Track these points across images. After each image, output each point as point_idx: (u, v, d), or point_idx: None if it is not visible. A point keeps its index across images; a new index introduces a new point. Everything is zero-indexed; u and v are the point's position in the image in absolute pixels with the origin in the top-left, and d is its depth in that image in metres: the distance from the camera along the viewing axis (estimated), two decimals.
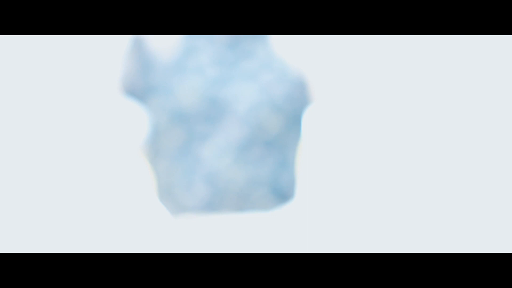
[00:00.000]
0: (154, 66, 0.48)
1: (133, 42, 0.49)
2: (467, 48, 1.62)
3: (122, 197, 0.57)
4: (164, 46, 0.49)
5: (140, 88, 0.48)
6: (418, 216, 1.72)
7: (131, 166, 0.54)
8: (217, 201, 0.49)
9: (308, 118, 0.53)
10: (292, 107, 0.50)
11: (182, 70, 0.47)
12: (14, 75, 1.50)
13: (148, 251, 0.64)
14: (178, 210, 0.50)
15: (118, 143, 0.51)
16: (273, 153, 0.49)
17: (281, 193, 0.51)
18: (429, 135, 1.71)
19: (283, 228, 0.53)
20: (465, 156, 1.67)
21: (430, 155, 1.65)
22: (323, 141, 0.57)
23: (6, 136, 1.54)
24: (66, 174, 1.52)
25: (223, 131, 0.47)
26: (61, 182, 1.54)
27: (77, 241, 1.55)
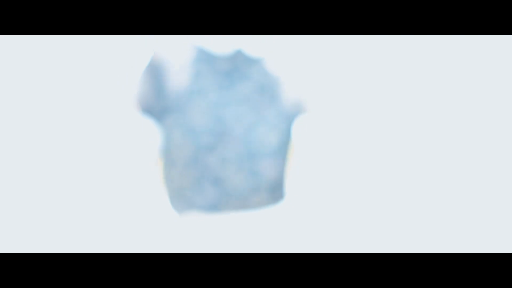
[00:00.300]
0: (166, 90, 0.57)
1: (147, 70, 0.58)
2: (448, 49, 1.63)
3: (136, 201, 0.64)
4: (173, 71, 0.57)
5: (155, 109, 0.58)
6: (408, 217, 1.73)
7: (144, 174, 0.62)
8: (222, 202, 0.58)
9: (297, 127, 0.62)
10: (283, 122, 0.59)
11: (190, 93, 0.56)
12: (34, 84, 1.51)
13: (155, 251, 0.65)
14: (187, 210, 0.59)
15: (134, 154, 0.60)
16: (267, 159, 0.58)
17: (275, 195, 0.60)
18: (417, 138, 1.72)
19: (277, 229, 0.62)
20: (451, 167, 1.68)
21: (418, 157, 1.66)
22: (311, 147, 0.62)
23: (29, 145, 1.56)
24: (85, 181, 1.57)
25: (225, 143, 0.56)
26: (81, 186, 1.59)
27: (90, 241, 1.61)
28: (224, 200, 0.58)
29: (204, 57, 0.57)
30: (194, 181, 0.57)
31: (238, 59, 0.58)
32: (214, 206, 0.57)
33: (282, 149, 0.59)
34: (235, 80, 0.56)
